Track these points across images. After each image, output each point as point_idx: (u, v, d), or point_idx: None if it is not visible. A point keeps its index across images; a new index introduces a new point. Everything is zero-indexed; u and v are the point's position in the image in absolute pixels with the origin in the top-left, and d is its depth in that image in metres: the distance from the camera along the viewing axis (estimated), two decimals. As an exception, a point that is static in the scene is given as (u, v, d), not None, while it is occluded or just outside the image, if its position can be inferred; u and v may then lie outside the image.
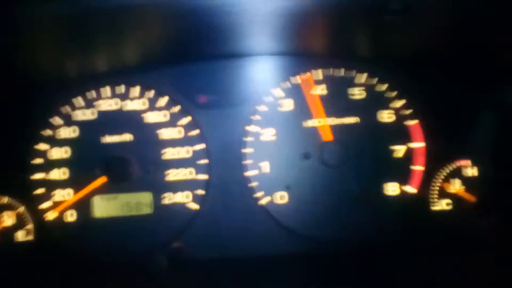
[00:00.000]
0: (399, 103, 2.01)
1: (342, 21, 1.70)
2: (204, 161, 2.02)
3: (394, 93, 2.02)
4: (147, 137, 2.03)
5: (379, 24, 1.68)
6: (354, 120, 2.01)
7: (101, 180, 1.99)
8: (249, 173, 2.01)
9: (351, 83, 2.03)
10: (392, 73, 2.02)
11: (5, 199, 2.03)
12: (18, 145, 2.04)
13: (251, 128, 2.03)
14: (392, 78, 2.02)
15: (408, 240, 2.00)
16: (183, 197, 2.02)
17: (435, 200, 2.02)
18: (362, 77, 2.03)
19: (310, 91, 2.03)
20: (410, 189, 2.01)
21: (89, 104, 2.05)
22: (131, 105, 2.05)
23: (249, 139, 2.03)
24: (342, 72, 2.03)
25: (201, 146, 2.03)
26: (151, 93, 2.05)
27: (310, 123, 2.02)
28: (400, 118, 2.01)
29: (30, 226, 2.04)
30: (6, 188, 2.04)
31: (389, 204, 2.00)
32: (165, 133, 2.03)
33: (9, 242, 2.02)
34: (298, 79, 2.04)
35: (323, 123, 2.01)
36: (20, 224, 2.04)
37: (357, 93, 2.02)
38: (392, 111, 2.01)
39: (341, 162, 1.98)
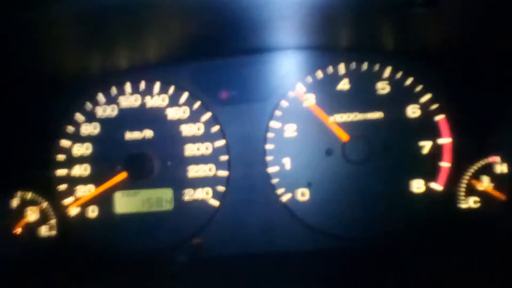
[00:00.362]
0: (425, 98, 1.96)
1: (366, 14, 1.66)
2: (224, 158, 2.01)
3: (419, 87, 1.97)
4: (167, 133, 2.02)
5: (404, 17, 1.63)
6: (378, 116, 1.96)
7: (122, 175, 2.00)
8: (270, 170, 1.99)
9: (374, 77, 1.98)
10: (418, 67, 1.96)
11: (29, 195, 2.06)
12: (41, 141, 2.06)
13: (272, 124, 2.00)
14: (418, 72, 1.96)
15: (434, 238, 1.95)
16: (203, 194, 2.01)
17: (463, 197, 1.95)
18: (386, 71, 1.98)
19: (336, 86, 1.99)
20: (437, 186, 1.95)
21: (110, 101, 2.06)
22: (152, 102, 2.04)
23: (270, 135, 2.00)
24: (365, 65, 1.99)
25: (221, 143, 2.01)
26: (171, 89, 2.04)
27: (335, 118, 1.98)
28: (426, 113, 1.95)
29: (53, 221, 2.06)
30: (30, 183, 2.06)
31: (414, 201, 1.95)
32: (186, 129, 2.02)
33: (33, 236, 2.05)
34: (320, 74, 2.00)
35: (351, 118, 1.97)
36: (43, 219, 2.06)
37: (381, 88, 1.97)
38: (418, 106, 1.95)
39: (365, 159, 1.94)
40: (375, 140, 1.94)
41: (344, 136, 1.95)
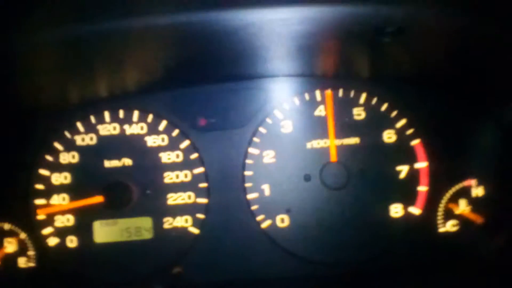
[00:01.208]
0: (400, 123, 1.98)
1: (339, 42, 1.69)
2: (203, 185, 2.01)
3: (394, 112, 1.99)
4: (146, 161, 2.02)
5: (376, 45, 1.66)
6: (354, 141, 1.98)
7: (98, 199, 1.98)
8: (249, 196, 1.99)
9: (350, 103, 2.00)
10: (392, 92, 1.99)
11: (7, 226, 2.04)
12: (19, 170, 2.05)
13: (251, 150, 2.01)
14: (392, 97, 1.99)
15: (413, 262, 1.96)
16: (183, 222, 2.00)
17: (441, 221, 1.97)
18: (362, 97, 2.00)
19: (314, 112, 2.01)
20: (415, 210, 1.96)
21: (89, 129, 2.06)
22: (130, 130, 2.04)
23: (249, 161, 2.01)
24: (341, 92, 2.01)
25: (200, 170, 2.01)
26: (149, 117, 2.05)
27: (313, 144, 2.00)
28: (402, 138, 1.97)
29: (31, 252, 2.04)
30: (7, 214, 2.05)
31: (393, 226, 1.96)
32: (165, 157, 2.02)
33: (11, 268, 2.02)
34: (296, 101, 2.03)
35: (328, 144, 1.98)
36: (22, 250, 2.04)
37: (357, 113, 1.99)
38: (393, 131, 1.98)
39: (343, 184, 1.95)
40: (352, 165, 1.96)
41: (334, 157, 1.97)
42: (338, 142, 1.99)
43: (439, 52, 1.68)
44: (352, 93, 2.01)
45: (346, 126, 1.99)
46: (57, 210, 2.01)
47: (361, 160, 1.96)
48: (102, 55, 1.62)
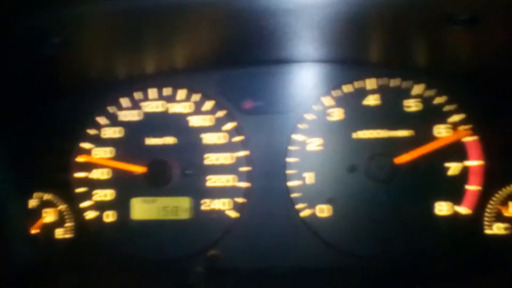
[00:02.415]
0: (458, 118, 1.89)
1: (402, 29, 1.61)
2: (246, 169, 1.97)
3: (453, 107, 1.90)
4: (190, 141, 2.00)
5: (443, 34, 1.58)
6: (407, 133, 1.90)
7: (140, 170, 1.98)
8: (292, 184, 1.94)
9: (407, 94, 1.92)
10: (452, 86, 1.90)
11: (48, 196, 2.05)
12: (63, 142, 2.06)
13: (297, 136, 1.96)
14: (452, 91, 1.90)
15: (456, 263, 1.88)
16: (222, 204, 1.97)
17: (491, 223, 1.88)
18: (419, 88, 1.92)
19: (363, 101, 1.94)
20: (464, 209, 1.88)
21: (135, 105, 2.04)
22: (176, 108, 2.02)
23: (294, 148, 1.96)
24: (398, 82, 1.93)
25: (244, 153, 1.98)
26: (197, 97, 2.02)
27: (359, 134, 1.93)
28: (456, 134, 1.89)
29: (69, 224, 2.05)
30: (49, 184, 2.06)
31: (439, 224, 1.88)
32: (209, 138, 1.99)
33: (49, 238, 2.04)
34: (350, 88, 1.96)
35: (375, 135, 1.92)
36: (60, 221, 2.05)
37: (413, 105, 1.91)
38: (450, 126, 1.89)
39: (390, 177, 1.88)
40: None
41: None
42: (386, 133, 1.92)
43: (509, 48, 1.58)
44: (404, 84, 1.93)
45: (395, 118, 1.92)
46: (97, 162, 2.02)
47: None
48: (151, 30, 1.60)
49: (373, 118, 1.93)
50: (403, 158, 1.88)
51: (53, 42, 1.54)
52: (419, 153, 1.87)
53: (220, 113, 2.00)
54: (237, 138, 1.99)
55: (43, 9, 1.38)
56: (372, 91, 1.95)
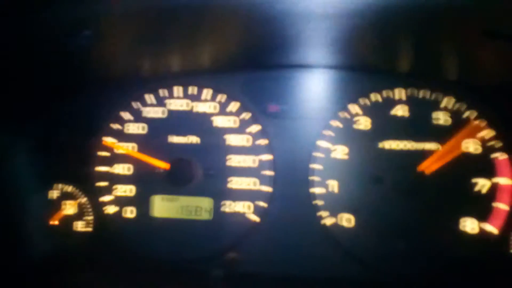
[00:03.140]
0: (488, 134, 1.85)
1: (436, 42, 1.58)
2: (269, 173, 1.95)
3: (480, 122, 1.86)
4: (213, 141, 1.98)
5: (477, 47, 1.54)
6: (434, 147, 1.87)
7: (164, 166, 1.97)
8: (315, 191, 1.92)
9: (436, 107, 1.89)
10: (483, 101, 1.86)
11: (69, 188, 2.05)
12: (86, 136, 2.05)
13: (321, 143, 1.93)
14: (482, 106, 1.86)
15: (480, 284, 1.84)
16: (243, 207, 1.95)
17: (516, 243, 1.84)
18: (449, 102, 1.88)
19: (391, 111, 1.91)
20: (490, 228, 1.83)
21: (160, 102, 2.04)
22: (201, 107, 2.01)
23: (318, 154, 1.93)
24: (427, 93, 1.90)
25: (268, 157, 1.95)
26: (223, 97, 2.00)
27: (385, 145, 1.90)
28: (487, 150, 1.85)
29: (89, 217, 2.04)
30: (70, 177, 2.06)
31: (464, 241, 1.84)
32: (233, 139, 1.98)
33: (68, 230, 2.04)
34: (378, 97, 1.93)
35: (402, 146, 1.88)
36: (80, 214, 2.05)
37: (442, 118, 1.88)
38: (479, 142, 1.85)
39: (415, 190, 1.85)
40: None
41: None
42: (415, 145, 1.88)
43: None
44: (436, 96, 1.89)
45: (423, 130, 1.89)
46: (126, 152, 2.01)
47: (439, 167, 1.84)
48: (179, 28, 1.59)
49: (400, 128, 1.90)
50: (428, 167, 1.84)
51: (82, 36, 1.53)
52: (445, 161, 1.84)
53: (245, 115, 1.99)
54: (261, 141, 1.97)
55: (75, 2, 1.38)
56: (401, 101, 1.92)
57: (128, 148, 2.02)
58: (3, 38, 1.50)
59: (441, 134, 1.88)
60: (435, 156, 1.86)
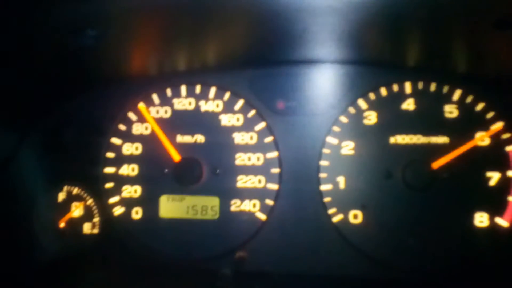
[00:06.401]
0: (496, 126, 1.82)
1: (445, 35, 1.55)
2: (275, 170, 1.93)
3: (491, 114, 1.83)
4: (219, 140, 1.97)
5: (487, 38, 1.51)
6: (443, 140, 1.83)
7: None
8: (323, 188, 1.89)
9: (445, 100, 1.85)
10: (491, 92, 1.82)
11: (76, 190, 2.05)
12: (92, 137, 2.05)
13: (329, 139, 1.91)
14: (491, 97, 1.83)
15: (494, 278, 1.80)
16: (250, 206, 1.93)
17: (530, 238, 1.80)
18: (456, 94, 1.85)
19: (400, 105, 1.88)
20: (503, 222, 1.80)
21: (164, 102, 2.02)
22: (206, 106, 1.99)
23: (326, 151, 1.91)
24: (433, 86, 1.87)
25: (273, 154, 1.93)
26: (227, 95, 1.98)
27: (396, 139, 1.87)
28: (498, 142, 1.81)
29: (96, 219, 2.04)
30: (78, 179, 2.05)
31: (476, 236, 1.80)
32: (238, 138, 1.96)
33: (76, 232, 2.03)
34: (388, 91, 1.90)
35: (413, 140, 1.86)
36: (87, 216, 2.04)
37: (449, 111, 1.85)
38: (487, 134, 1.81)
39: (426, 185, 1.82)
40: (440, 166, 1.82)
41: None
42: (425, 139, 1.85)
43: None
44: (445, 89, 1.86)
45: (435, 124, 1.85)
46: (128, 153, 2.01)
47: (450, 161, 1.81)
48: (184, 27, 1.57)
49: (410, 123, 1.87)
50: (440, 161, 1.81)
51: (89, 35, 1.53)
52: (457, 154, 1.81)
53: (250, 113, 1.97)
54: (267, 139, 1.95)
55: (82, 1, 1.37)
56: (410, 95, 1.89)
57: (133, 148, 2.01)
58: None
59: (451, 128, 1.84)
60: (446, 150, 1.82)
